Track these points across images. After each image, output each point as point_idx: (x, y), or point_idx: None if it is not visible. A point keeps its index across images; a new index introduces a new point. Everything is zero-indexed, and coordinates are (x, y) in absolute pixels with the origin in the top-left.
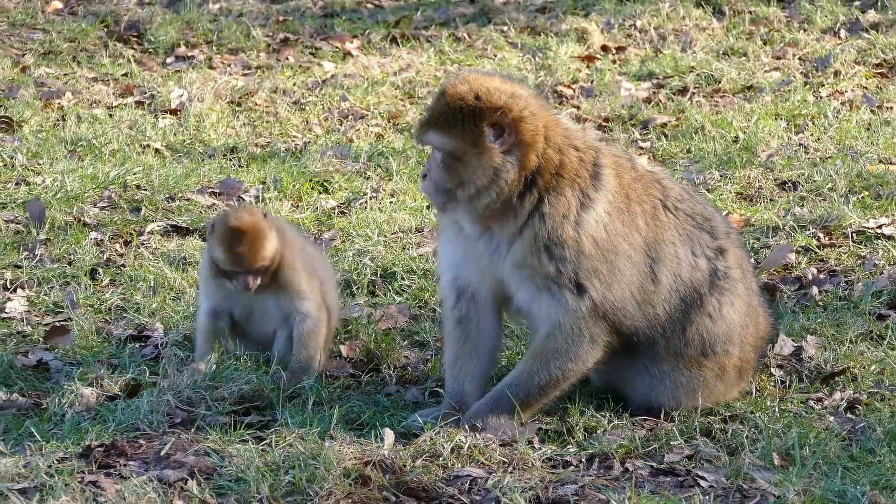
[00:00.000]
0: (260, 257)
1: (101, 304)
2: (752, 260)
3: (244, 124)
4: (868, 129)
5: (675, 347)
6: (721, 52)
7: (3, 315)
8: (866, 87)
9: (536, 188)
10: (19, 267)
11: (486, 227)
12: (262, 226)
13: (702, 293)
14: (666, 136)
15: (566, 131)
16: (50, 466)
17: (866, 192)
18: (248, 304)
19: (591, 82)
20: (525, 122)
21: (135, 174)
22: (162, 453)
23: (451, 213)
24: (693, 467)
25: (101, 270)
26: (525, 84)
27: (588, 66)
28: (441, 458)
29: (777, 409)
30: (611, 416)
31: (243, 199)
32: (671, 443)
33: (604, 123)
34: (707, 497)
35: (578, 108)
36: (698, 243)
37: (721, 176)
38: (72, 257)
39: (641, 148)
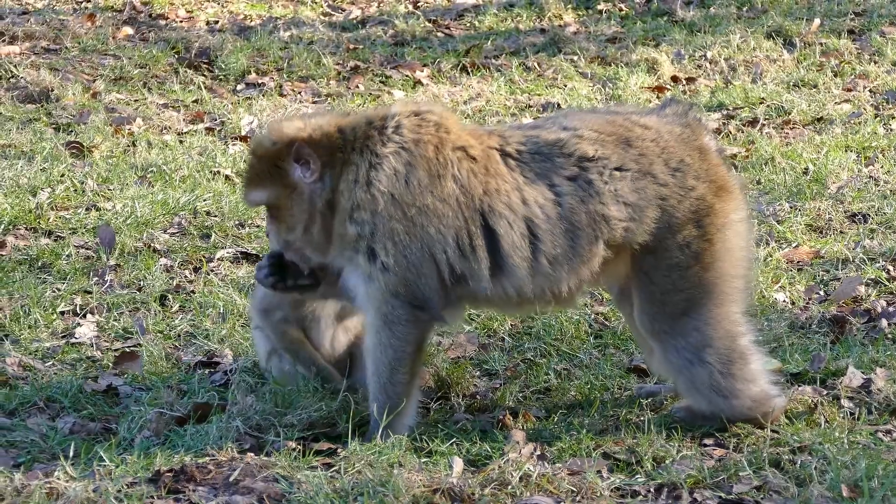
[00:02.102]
0: None
1: (170, 330)
2: (822, 292)
3: None
4: None
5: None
6: (791, 83)
7: (74, 340)
8: None
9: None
10: (89, 292)
11: None
12: None
13: (590, 208)
14: (736, 168)
15: (361, 116)
16: (119, 491)
17: None
18: None
19: None
20: (319, 141)
21: (205, 200)
22: (231, 479)
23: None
24: (761, 498)
25: (170, 296)
26: (332, 111)
27: (658, 97)
28: (510, 487)
29: (846, 441)
30: (679, 445)
31: None
32: (739, 473)
33: None
34: None
35: None
36: (555, 172)
37: (791, 207)
38: (141, 283)
39: None
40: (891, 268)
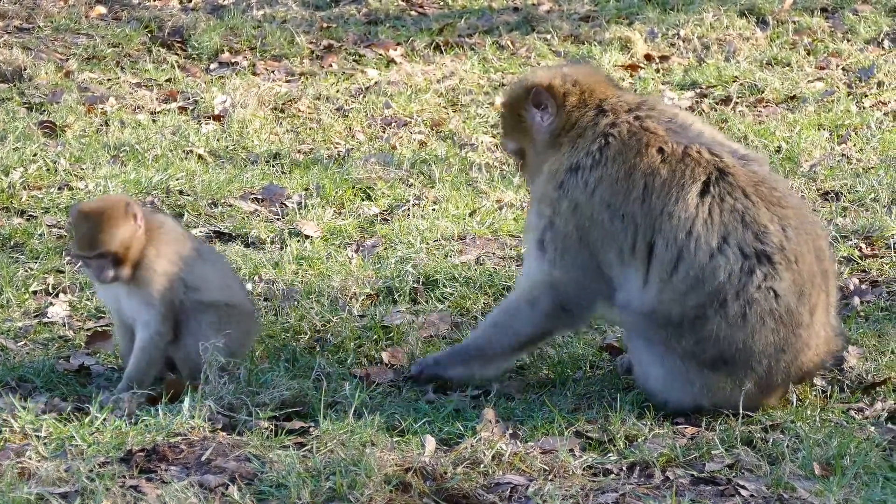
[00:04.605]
0: (100, 241)
1: None
2: None
3: (287, 131)
4: None
5: (686, 344)
6: (764, 61)
7: (45, 320)
8: None
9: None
10: (61, 272)
11: None
12: (111, 212)
13: (723, 292)
14: None
15: (606, 92)
16: (91, 471)
17: None
18: (116, 304)
19: (635, 91)
20: (557, 89)
21: (178, 180)
22: (203, 458)
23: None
24: (734, 476)
25: None
26: (591, 66)
27: (631, 75)
28: (482, 466)
29: (818, 419)
30: (652, 424)
31: (286, 206)
32: (712, 451)
33: None
34: None
35: None
36: (734, 236)
37: None
38: None
39: None
40: (863, 245)
